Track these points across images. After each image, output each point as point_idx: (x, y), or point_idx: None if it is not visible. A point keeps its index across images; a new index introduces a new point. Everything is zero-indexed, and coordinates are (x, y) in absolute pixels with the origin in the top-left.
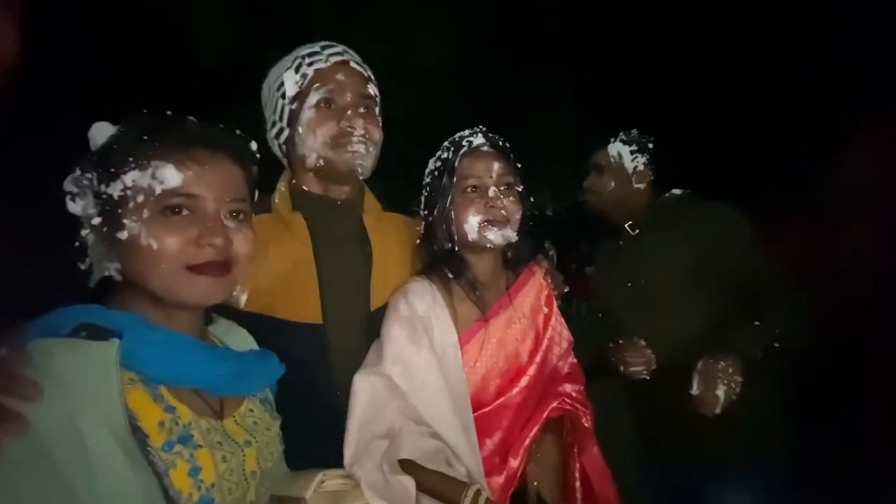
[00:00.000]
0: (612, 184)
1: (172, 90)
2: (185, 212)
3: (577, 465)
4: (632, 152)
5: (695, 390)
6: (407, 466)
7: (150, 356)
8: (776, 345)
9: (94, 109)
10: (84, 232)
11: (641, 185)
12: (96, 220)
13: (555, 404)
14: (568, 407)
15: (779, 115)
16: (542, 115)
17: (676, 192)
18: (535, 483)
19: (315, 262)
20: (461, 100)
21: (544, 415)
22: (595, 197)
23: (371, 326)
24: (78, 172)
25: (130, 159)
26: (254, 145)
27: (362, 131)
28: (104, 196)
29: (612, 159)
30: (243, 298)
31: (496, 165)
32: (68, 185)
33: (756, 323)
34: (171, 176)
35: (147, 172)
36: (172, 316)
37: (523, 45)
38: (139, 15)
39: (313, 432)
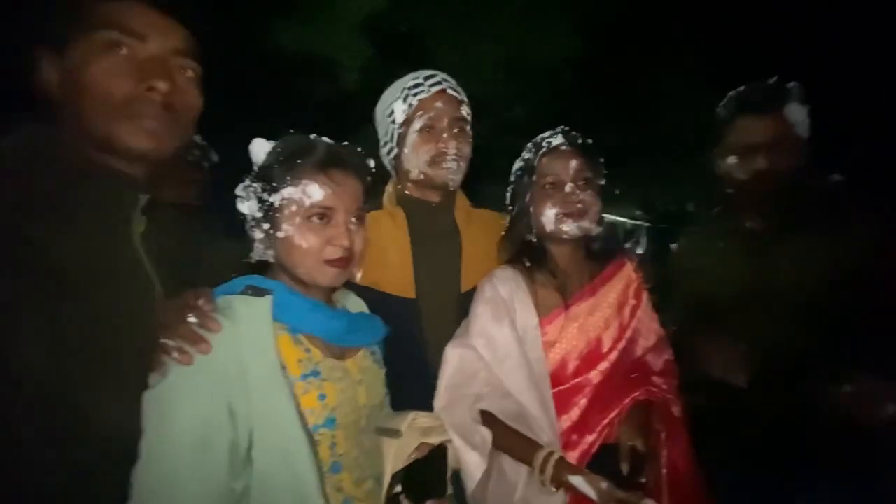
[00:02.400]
0: (788, 162)
1: (318, 110)
2: (324, 219)
3: (665, 454)
4: (808, 115)
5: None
6: (489, 423)
7: (291, 311)
8: None
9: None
10: (249, 225)
11: (807, 158)
12: (262, 223)
13: (639, 391)
14: (655, 391)
15: None
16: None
17: (836, 177)
18: (630, 444)
19: (411, 248)
20: (580, 99)
21: (626, 400)
22: (761, 185)
23: (462, 306)
24: (247, 182)
25: (288, 178)
26: (371, 162)
27: (454, 151)
28: (266, 203)
29: (791, 126)
30: (359, 275)
31: (574, 163)
32: (239, 191)
33: None
34: (315, 192)
35: (299, 188)
36: (309, 290)
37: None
38: (288, 46)
39: (408, 387)
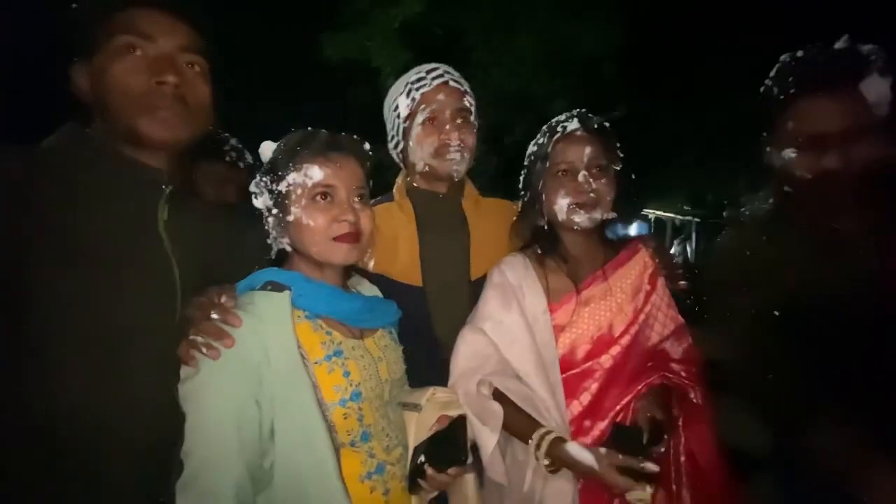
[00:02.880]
0: (868, 154)
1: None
2: (327, 198)
3: (683, 440)
4: (892, 88)
5: None
6: (499, 400)
7: (310, 298)
8: None
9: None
10: (265, 218)
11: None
12: (273, 210)
13: (654, 377)
14: (671, 377)
15: None
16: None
17: None
18: (649, 414)
19: (418, 238)
20: (625, 90)
21: (640, 386)
22: (832, 185)
23: (474, 293)
24: (257, 178)
25: (291, 164)
26: (367, 146)
27: (458, 141)
28: (275, 192)
29: (869, 107)
30: (371, 263)
31: (588, 150)
32: (252, 188)
33: None
34: (316, 173)
35: (301, 172)
36: (324, 272)
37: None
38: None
39: (419, 372)
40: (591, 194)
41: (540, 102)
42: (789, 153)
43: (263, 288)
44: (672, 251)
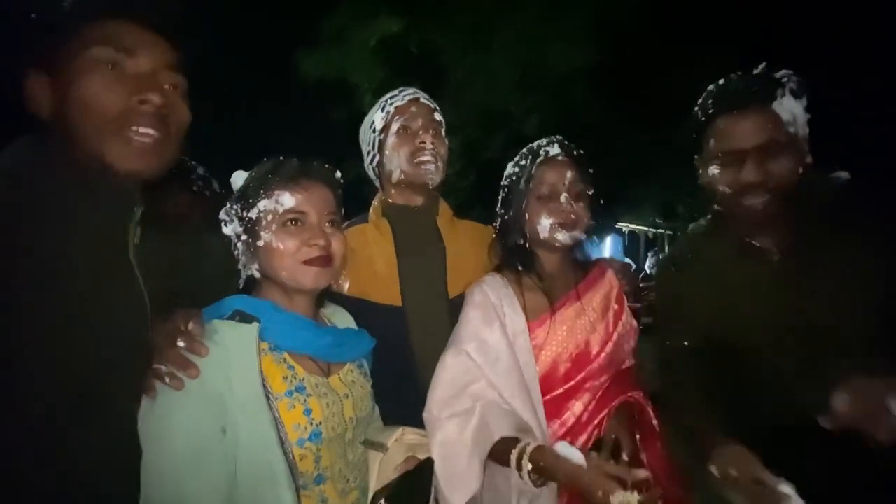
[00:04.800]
0: (785, 169)
1: (337, 132)
2: (298, 223)
3: (644, 456)
4: (805, 109)
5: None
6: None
7: (277, 331)
8: None
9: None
10: (234, 245)
11: (808, 159)
12: (243, 236)
13: (623, 397)
14: (637, 396)
15: None
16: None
17: (842, 174)
18: (614, 436)
19: (396, 256)
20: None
21: (614, 403)
22: (752, 199)
23: (452, 311)
24: (228, 206)
25: (262, 191)
26: (339, 174)
27: (431, 146)
28: (246, 219)
29: (782, 124)
30: (346, 285)
31: (569, 174)
32: (222, 215)
33: None
34: (287, 200)
35: (272, 199)
36: (294, 299)
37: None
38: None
39: (396, 395)
40: (572, 215)
41: (515, 119)
42: (713, 170)
43: (231, 317)
44: (647, 263)
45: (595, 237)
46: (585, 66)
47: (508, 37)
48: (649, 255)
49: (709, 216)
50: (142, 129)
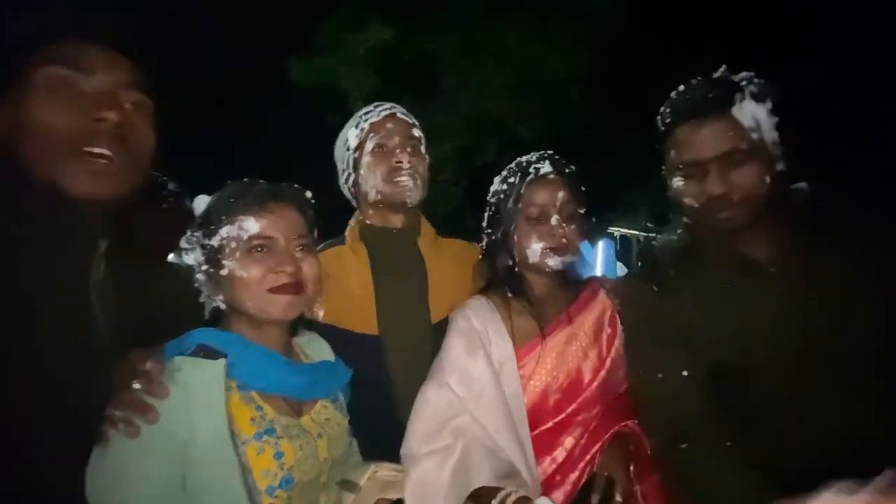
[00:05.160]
0: (756, 175)
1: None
2: (264, 249)
3: (638, 489)
4: (769, 113)
5: None
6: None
7: (246, 368)
8: None
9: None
10: (196, 275)
11: (780, 165)
12: (204, 266)
13: (617, 427)
14: (630, 425)
15: None
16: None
17: (802, 185)
18: (606, 473)
19: (373, 282)
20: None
21: (607, 435)
22: (733, 209)
23: (435, 338)
24: (188, 233)
25: (224, 217)
26: (309, 194)
27: (408, 165)
28: (208, 247)
29: (744, 131)
30: (321, 313)
31: (560, 194)
32: (182, 244)
33: None
34: (252, 225)
35: (235, 225)
36: (263, 331)
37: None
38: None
39: (373, 429)
40: (563, 239)
41: (507, 125)
42: (677, 182)
43: (195, 353)
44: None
45: (588, 241)
46: (577, 72)
47: (500, 43)
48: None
49: (679, 230)
50: (97, 150)
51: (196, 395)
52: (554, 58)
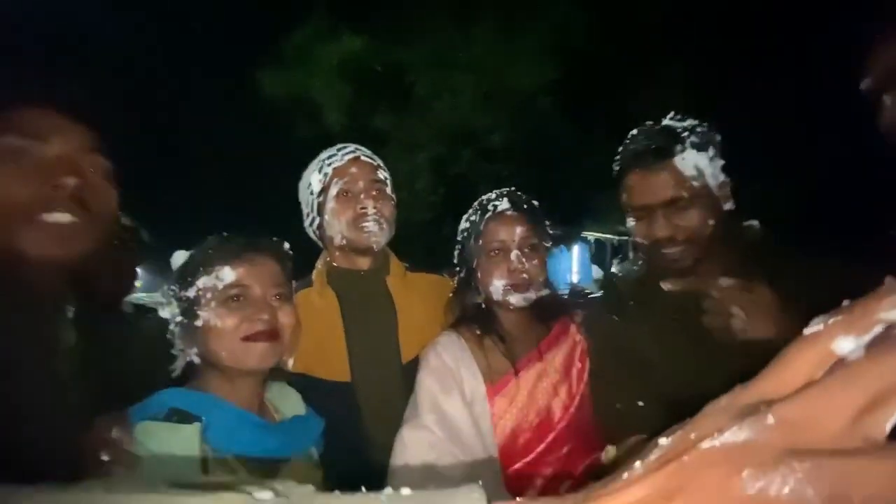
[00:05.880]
0: (700, 219)
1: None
2: (240, 298)
3: None
4: (711, 159)
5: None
6: None
7: (222, 432)
8: None
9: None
10: (172, 328)
11: (729, 205)
12: (179, 318)
13: (590, 459)
14: (597, 458)
15: None
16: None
17: (754, 223)
18: None
19: (343, 327)
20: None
21: (578, 470)
22: (679, 247)
23: (406, 379)
24: (165, 287)
25: (201, 269)
26: (287, 246)
27: (374, 210)
28: (183, 299)
29: (685, 179)
30: (290, 361)
31: (519, 229)
32: (159, 298)
33: None
34: (228, 275)
35: (212, 276)
36: (237, 385)
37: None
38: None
39: (349, 478)
40: (524, 275)
41: (480, 135)
42: (630, 222)
43: (168, 417)
44: (612, 269)
45: (563, 246)
46: (546, 82)
47: (470, 54)
48: (615, 262)
49: (639, 262)
50: (55, 215)
51: (170, 464)
52: (523, 68)
